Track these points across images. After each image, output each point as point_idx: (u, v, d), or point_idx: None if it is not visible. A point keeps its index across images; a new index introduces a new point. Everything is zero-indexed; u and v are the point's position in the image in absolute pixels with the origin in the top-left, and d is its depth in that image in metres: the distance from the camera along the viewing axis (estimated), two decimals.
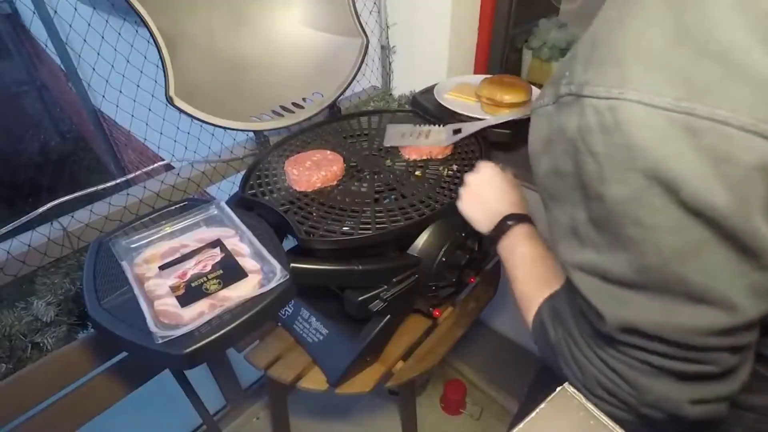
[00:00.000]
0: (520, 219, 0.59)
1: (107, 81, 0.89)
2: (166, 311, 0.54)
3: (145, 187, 0.90)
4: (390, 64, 1.28)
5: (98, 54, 0.85)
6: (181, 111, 0.80)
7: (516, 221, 0.59)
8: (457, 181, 0.79)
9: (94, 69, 0.84)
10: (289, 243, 0.72)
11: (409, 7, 1.18)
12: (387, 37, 1.24)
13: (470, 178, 0.68)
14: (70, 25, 0.80)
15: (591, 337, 0.39)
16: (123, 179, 0.87)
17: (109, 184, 0.84)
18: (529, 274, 0.52)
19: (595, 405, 0.40)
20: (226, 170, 1.02)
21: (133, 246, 0.65)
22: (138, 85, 0.99)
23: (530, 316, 0.49)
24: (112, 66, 0.89)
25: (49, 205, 0.75)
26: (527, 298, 0.50)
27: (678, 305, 0.33)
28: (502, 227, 0.59)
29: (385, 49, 1.25)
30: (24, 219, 0.74)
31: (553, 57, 1.24)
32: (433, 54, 1.20)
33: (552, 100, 0.35)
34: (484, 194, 0.65)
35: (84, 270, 0.62)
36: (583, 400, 0.60)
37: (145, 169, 0.90)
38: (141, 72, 0.95)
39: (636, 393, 0.38)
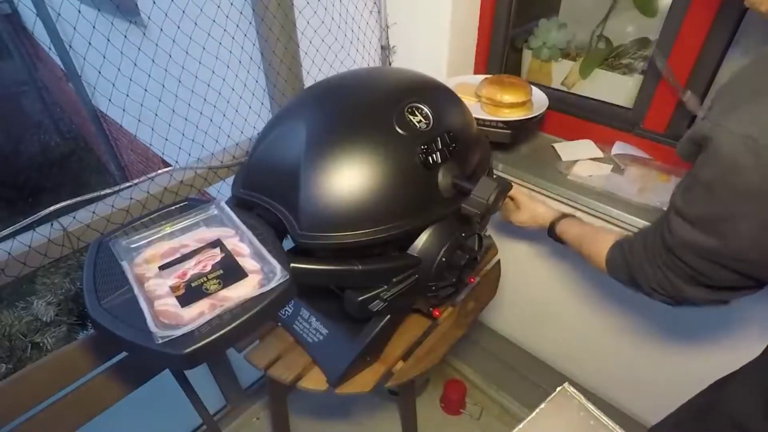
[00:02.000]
0: (564, 215, 0.91)
1: (113, 84, 0.89)
2: (166, 311, 0.54)
3: (148, 192, 0.90)
4: (390, 64, 1.28)
5: (104, 57, 0.84)
6: None
7: (563, 216, 0.90)
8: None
9: (99, 72, 0.84)
10: (289, 243, 0.72)
11: (409, 7, 1.18)
12: (387, 37, 1.24)
13: (518, 197, 0.96)
14: (74, 28, 0.79)
15: (658, 253, 0.61)
16: (126, 186, 0.87)
17: (111, 190, 0.84)
18: (594, 235, 0.80)
19: (649, 294, 0.65)
20: (227, 173, 1.02)
21: (133, 246, 0.65)
22: (145, 89, 0.99)
23: (603, 253, 0.74)
24: (119, 69, 0.89)
25: (51, 208, 0.76)
26: (598, 246, 0.76)
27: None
28: (559, 219, 0.90)
29: (385, 49, 1.25)
30: (26, 222, 0.74)
31: (553, 57, 1.24)
32: (433, 54, 1.20)
33: None
34: (531, 207, 0.95)
35: (84, 270, 0.62)
36: (583, 399, 0.60)
37: (148, 176, 0.90)
38: (149, 76, 0.95)
39: (674, 291, 0.61)
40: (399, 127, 0.69)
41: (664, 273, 0.60)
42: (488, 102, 1.08)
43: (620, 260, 0.70)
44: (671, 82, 0.95)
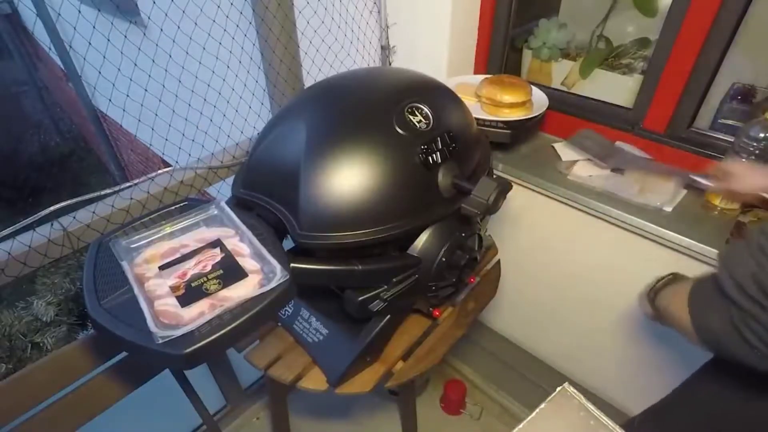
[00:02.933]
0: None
1: (113, 84, 0.89)
2: (167, 311, 0.54)
3: (148, 192, 0.90)
4: (390, 64, 1.28)
5: (104, 57, 0.84)
6: None
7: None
8: None
9: (99, 72, 0.84)
10: (289, 243, 0.72)
11: (409, 7, 1.18)
12: (387, 37, 1.24)
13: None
14: (74, 28, 0.79)
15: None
16: (126, 186, 0.87)
17: (111, 191, 0.84)
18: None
19: (745, 307, 0.49)
20: (227, 173, 1.02)
21: (133, 246, 0.65)
22: (146, 90, 0.99)
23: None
24: (119, 69, 0.89)
25: (51, 208, 0.76)
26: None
27: None
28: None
29: (385, 49, 1.25)
30: (26, 222, 0.74)
31: (553, 57, 1.24)
32: (433, 54, 1.20)
33: None
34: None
35: (84, 270, 0.62)
36: (583, 399, 0.60)
37: (148, 176, 0.90)
38: (149, 76, 0.95)
39: None
40: (399, 127, 0.69)
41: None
42: (488, 102, 1.08)
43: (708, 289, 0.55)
44: None
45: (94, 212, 0.83)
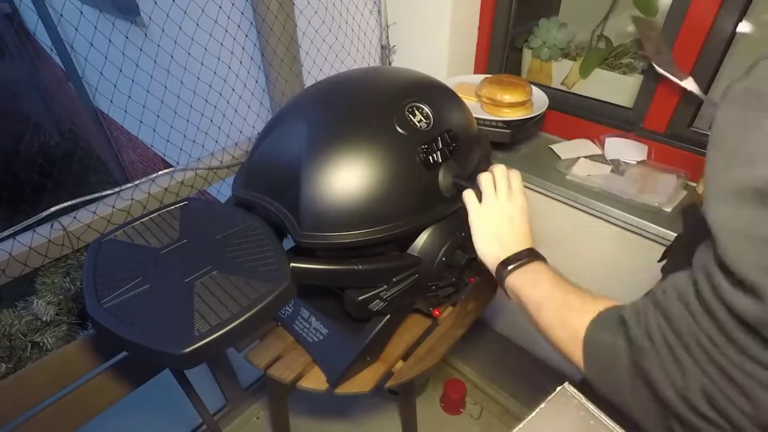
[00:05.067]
0: (537, 255, 0.59)
1: (115, 85, 0.90)
2: None
3: (149, 193, 0.90)
4: (390, 63, 1.28)
5: (105, 58, 0.85)
6: None
7: (534, 257, 0.58)
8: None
9: (101, 73, 0.84)
10: (289, 243, 0.72)
11: (409, 6, 1.18)
12: (387, 37, 1.24)
13: (492, 194, 0.63)
14: (77, 29, 0.79)
15: (708, 336, 0.33)
16: (127, 186, 0.88)
17: (111, 191, 0.84)
18: (568, 295, 0.52)
19: (692, 423, 0.35)
20: (227, 173, 1.02)
21: None
22: (147, 91, 0.99)
23: (579, 330, 0.47)
24: (120, 70, 0.89)
25: (53, 209, 0.76)
26: (570, 317, 0.49)
27: None
28: (520, 257, 0.58)
29: (385, 49, 1.25)
30: (26, 222, 0.74)
31: (553, 57, 1.24)
32: (433, 54, 1.20)
33: None
34: (507, 219, 0.62)
35: (84, 270, 0.62)
36: (583, 399, 0.60)
37: (149, 177, 0.90)
38: (151, 77, 0.95)
39: (751, 409, 0.31)
40: (399, 127, 0.69)
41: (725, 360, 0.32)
42: (488, 102, 1.08)
43: (613, 338, 0.43)
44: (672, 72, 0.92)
45: (94, 212, 0.83)
